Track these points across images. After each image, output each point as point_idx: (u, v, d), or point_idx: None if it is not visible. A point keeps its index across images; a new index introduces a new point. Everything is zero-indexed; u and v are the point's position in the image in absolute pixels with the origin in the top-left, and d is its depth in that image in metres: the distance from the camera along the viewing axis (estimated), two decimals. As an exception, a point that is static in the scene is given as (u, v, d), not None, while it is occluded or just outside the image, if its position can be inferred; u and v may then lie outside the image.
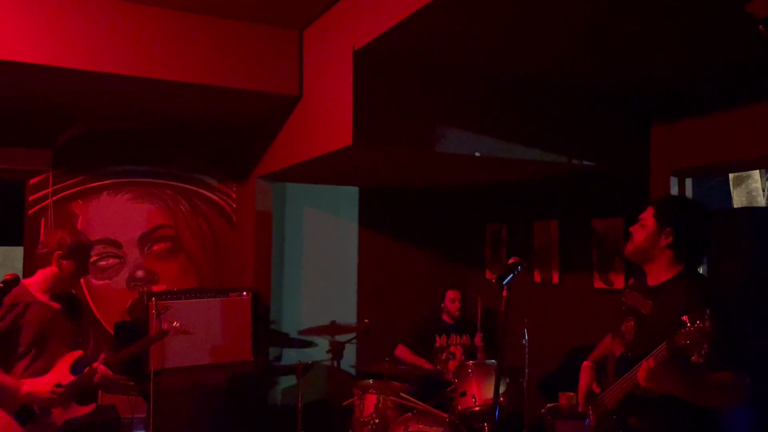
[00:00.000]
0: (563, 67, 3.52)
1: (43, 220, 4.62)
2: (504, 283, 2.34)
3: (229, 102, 4.23)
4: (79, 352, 3.08)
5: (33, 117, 4.59)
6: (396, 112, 3.45)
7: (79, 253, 3.07)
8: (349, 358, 5.21)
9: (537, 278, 4.98)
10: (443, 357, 4.81)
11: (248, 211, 5.08)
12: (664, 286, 2.45)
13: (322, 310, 5.31)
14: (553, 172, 4.43)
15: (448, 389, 4.24)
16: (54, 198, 4.69)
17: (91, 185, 4.81)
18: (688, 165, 3.91)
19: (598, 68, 3.52)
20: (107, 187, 4.87)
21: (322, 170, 4.62)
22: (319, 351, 4.89)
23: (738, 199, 6.78)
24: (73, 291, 3.48)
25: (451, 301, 4.97)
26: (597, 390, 2.63)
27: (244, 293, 4.65)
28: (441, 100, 3.56)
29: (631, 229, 2.57)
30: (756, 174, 6.65)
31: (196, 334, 4.30)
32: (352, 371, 5.26)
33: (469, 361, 4.12)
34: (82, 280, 4.73)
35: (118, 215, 4.89)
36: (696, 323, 1.98)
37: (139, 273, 4.93)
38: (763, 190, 6.73)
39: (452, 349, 4.86)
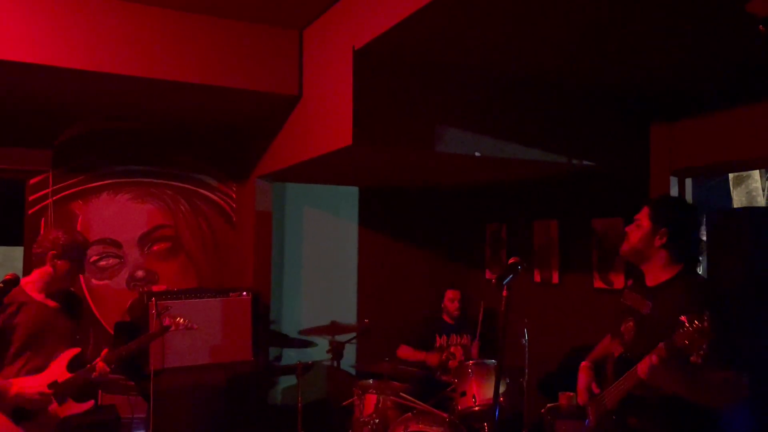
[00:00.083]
0: (563, 67, 3.52)
1: (43, 220, 4.62)
2: (504, 283, 2.34)
3: (229, 102, 4.23)
4: (76, 350, 3.08)
5: (33, 117, 4.59)
6: (396, 112, 3.45)
7: (74, 252, 3.06)
8: (349, 358, 5.21)
9: (537, 278, 4.98)
10: (443, 357, 4.81)
11: (248, 211, 5.08)
12: (663, 286, 2.46)
13: (322, 310, 5.32)
14: (553, 172, 4.43)
15: (448, 389, 4.24)
16: (54, 198, 4.69)
17: (91, 185, 4.81)
18: (687, 165, 3.91)
19: (598, 68, 3.52)
20: (107, 187, 4.87)
21: (322, 170, 4.62)
22: (319, 351, 4.89)
23: (738, 199, 6.77)
24: (73, 290, 3.49)
25: (451, 300, 4.97)
26: (596, 390, 2.64)
27: (244, 293, 4.65)
28: (441, 100, 3.56)
29: (626, 229, 2.58)
30: (756, 174, 6.64)
31: (197, 334, 4.29)
32: (352, 371, 5.26)
33: (469, 361, 4.12)
34: (82, 280, 4.74)
35: (118, 215, 4.89)
36: (694, 324, 1.99)
37: (139, 273, 4.93)
38: (763, 190, 6.73)
39: (452, 349, 4.86)
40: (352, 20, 3.37)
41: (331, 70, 3.60)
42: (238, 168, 5.25)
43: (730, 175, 6.55)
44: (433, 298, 5.19)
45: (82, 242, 3.14)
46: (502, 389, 3.72)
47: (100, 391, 4.45)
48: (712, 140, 3.74)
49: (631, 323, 2.53)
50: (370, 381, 4.16)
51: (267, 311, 4.99)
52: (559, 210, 4.86)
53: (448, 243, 5.93)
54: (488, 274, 5.64)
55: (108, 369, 3.10)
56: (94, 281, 4.81)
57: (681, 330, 2.03)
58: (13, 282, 2.78)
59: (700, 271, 2.65)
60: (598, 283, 4.44)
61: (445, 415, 3.70)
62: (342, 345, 4.81)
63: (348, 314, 5.50)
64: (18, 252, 4.92)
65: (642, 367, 2.18)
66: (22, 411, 2.86)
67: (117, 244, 4.88)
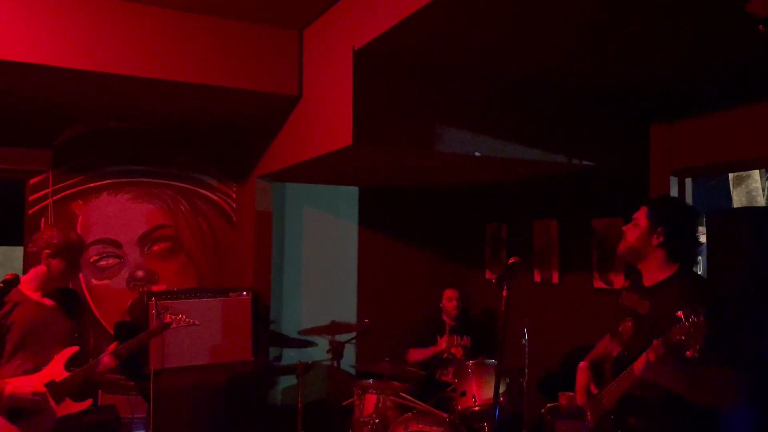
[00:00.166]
0: (563, 67, 3.52)
1: (43, 220, 4.62)
2: (504, 283, 2.35)
3: (229, 102, 4.24)
4: (74, 349, 3.07)
5: (33, 117, 4.59)
6: (396, 112, 3.45)
7: (68, 251, 3.05)
8: (349, 358, 5.21)
9: (537, 278, 4.98)
10: (444, 357, 4.81)
11: (248, 211, 5.08)
12: (660, 285, 2.47)
13: (322, 310, 5.32)
14: (553, 172, 4.43)
15: (448, 389, 4.24)
16: (54, 198, 4.69)
17: (91, 185, 4.81)
18: (687, 165, 3.91)
19: (598, 68, 3.52)
20: (107, 187, 4.87)
21: (322, 170, 4.62)
22: (319, 351, 4.89)
23: (738, 199, 6.77)
24: (73, 289, 3.48)
25: (449, 299, 4.96)
26: (594, 391, 2.64)
27: (244, 293, 4.65)
28: (441, 100, 3.56)
29: (624, 228, 2.60)
30: (756, 174, 6.64)
31: (196, 334, 4.30)
32: (352, 371, 5.26)
33: (469, 361, 4.12)
34: (82, 280, 4.74)
35: (118, 215, 4.89)
36: (690, 318, 2.00)
37: (139, 273, 4.93)
38: (763, 190, 6.72)
39: (453, 350, 4.86)
40: (352, 20, 3.37)
41: (331, 70, 3.60)
42: (238, 168, 5.25)
43: (730, 175, 6.55)
44: (433, 298, 5.19)
45: (76, 241, 3.12)
46: (502, 389, 3.72)
47: (100, 391, 4.45)
48: (712, 140, 3.74)
49: (629, 323, 2.53)
50: (370, 381, 4.16)
51: (267, 311, 4.99)
52: (559, 210, 4.86)
53: (448, 243, 5.93)
54: (488, 274, 5.64)
55: (113, 364, 3.10)
56: (94, 281, 4.80)
57: (677, 325, 2.04)
58: (13, 282, 2.78)
59: (699, 271, 2.65)
60: (598, 283, 4.44)
61: (445, 415, 3.70)
62: (342, 345, 4.81)
63: (348, 314, 5.50)
64: (18, 252, 4.91)
65: (638, 365, 2.18)
66: (17, 410, 2.86)
67: (117, 244, 4.88)
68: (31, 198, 4.64)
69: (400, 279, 5.71)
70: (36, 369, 2.97)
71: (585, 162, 3.99)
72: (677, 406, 2.29)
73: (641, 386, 2.31)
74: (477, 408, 3.78)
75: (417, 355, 4.80)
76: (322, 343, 4.86)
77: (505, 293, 2.40)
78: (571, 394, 3.67)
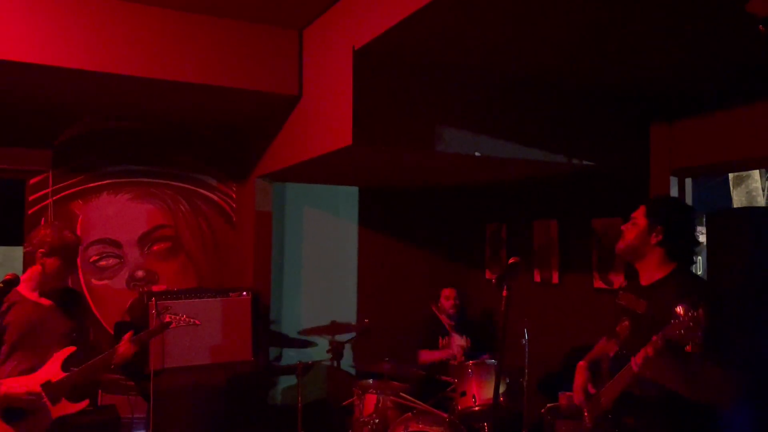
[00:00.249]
0: (563, 67, 3.52)
1: (43, 220, 4.62)
2: (504, 283, 2.35)
3: (229, 102, 4.24)
4: (71, 349, 3.05)
5: (33, 117, 4.59)
6: (396, 112, 3.45)
7: (63, 250, 3.02)
8: (349, 358, 5.22)
9: (537, 278, 4.98)
10: (453, 363, 4.80)
11: (248, 211, 5.08)
12: (658, 284, 2.48)
13: (322, 310, 5.32)
14: (553, 172, 4.43)
15: (448, 389, 4.24)
16: (54, 198, 4.69)
17: (91, 185, 4.81)
18: (687, 165, 3.91)
19: (598, 68, 3.52)
20: (107, 187, 4.87)
21: (322, 170, 4.62)
22: (319, 351, 4.89)
23: (738, 199, 6.77)
24: (73, 288, 3.47)
25: (446, 298, 4.95)
26: (592, 390, 2.64)
27: (244, 293, 4.65)
28: (441, 100, 3.56)
29: (622, 227, 2.62)
30: (756, 174, 6.64)
31: (197, 334, 4.30)
32: (352, 371, 5.26)
33: (469, 361, 4.12)
34: (82, 280, 4.74)
35: (118, 215, 4.89)
36: (690, 313, 2.01)
37: (139, 273, 4.93)
38: (763, 190, 6.72)
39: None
40: (352, 20, 3.37)
41: (331, 70, 3.60)
42: (238, 168, 5.25)
43: (730, 175, 6.55)
44: (433, 298, 5.19)
45: (71, 239, 3.08)
46: (502, 389, 3.73)
47: (99, 391, 4.45)
48: (712, 140, 3.74)
49: (626, 323, 2.54)
50: (370, 381, 4.15)
51: (267, 311, 4.99)
52: (559, 210, 4.86)
53: (448, 243, 5.93)
54: (488, 274, 5.64)
55: (130, 353, 3.09)
56: (94, 281, 4.80)
57: (676, 321, 2.05)
58: (13, 282, 2.77)
59: (699, 271, 2.66)
60: (598, 283, 4.44)
61: (445, 415, 3.69)
62: (342, 345, 4.80)
63: (348, 314, 5.50)
64: (18, 252, 4.91)
65: (637, 360, 2.19)
66: (13, 411, 2.84)
67: (117, 244, 4.88)
68: (31, 198, 4.64)
69: (400, 279, 5.71)
70: (33, 369, 2.95)
71: (585, 162, 3.99)
72: (675, 405, 2.29)
73: (639, 384, 2.32)
74: (477, 408, 3.77)
75: (428, 356, 4.77)
76: (322, 343, 4.86)
77: (505, 293, 2.41)
78: (571, 394, 3.68)
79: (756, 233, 3.21)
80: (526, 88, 3.79)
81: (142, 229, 4.97)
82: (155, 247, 5.01)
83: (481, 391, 3.80)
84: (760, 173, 6.62)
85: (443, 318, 4.97)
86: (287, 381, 5.14)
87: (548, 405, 3.78)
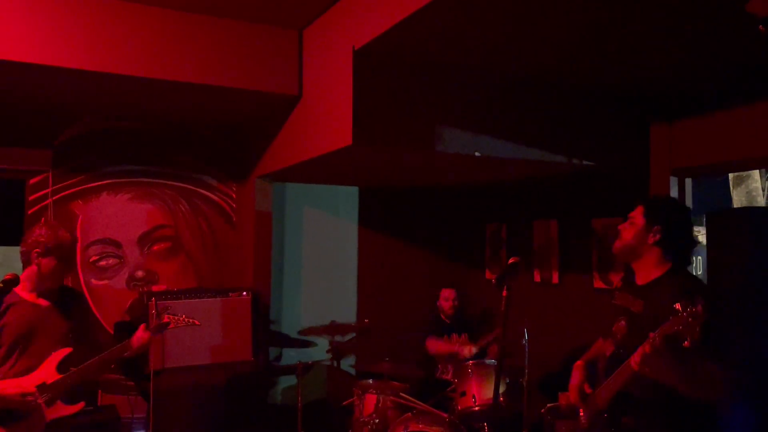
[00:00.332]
0: (563, 67, 3.52)
1: (43, 219, 4.61)
2: (504, 283, 2.36)
3: (229, 102, 4.24)
4: (67, 350, 2.99)
5: (33, 117, 4.59)
6: (396, 112, 3.45)
7: (58, 250, 2.97)
8: (349, 358, 5.21)
9: (537, 278, 4.98)
10: (459, 359, 4.80)
11: (248, 211, 5.08)
12: (654, 284, 2.50)
13: (322, 310, 5.32)
14: (553, 172, 4.43)
15: (448, 389, 4.24)
16: (54, 198, 4.69)
17: (91, 185, 4.81)
18: (687, 165, 3.91)
19: (598, 68, 3.52)
20: (107, 187, 4.87)
21: (322, 170, 4.62)
22: (319, 351, 4.89)
23: (738, 199, 6.77)
24: (73, 288, 3.45)
25: (446, 299, 4.95)
26: (588, 390, 2.65)
27: (244, 293, 4.65)
28: (441, 100, 3.56)
29: (620, 227, 2.63)
30: (756, 174, 6.65)
31: (197, 334, 4.29)
32: (352, 371, 5.25)
33: (468, 361, 4.12)
34: (82, 280, 4.74)
35: (118, 215, 4.89)
36: (689, 309, 2.02)
37: (139, 273, 4.93)
38: (763, 190, 6.73)
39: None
40: (352, 20, 3.37)
41: (331, 70, 3.60)
42: (238, 168, 5.25)
43: (730, 175, 6.55)
44: (433, 298, 5.20)
45: (66, 238, 3.02)
46: (502, 389, 3.73)
47: (99, 391, 4.45)
48: (712, 140, 3.74)
49: (623, 322, 2.56)
50: (370, 381, 4.15)
51: (267, 311, 4.99)
52: (559, 210, 4.86)
53: (448, 243, 5.93)
54: (488, 274, 5.64)
55: (146, 338, 3.06)
56: (94, 281, 4.80)
57: (674, 317, 2.06)
58: (13, 282, 2.77)
59: (700, 271, 2.67)
60: (598, 283, 4.44)
61: (445, 415, 3.70)
62: (342, 345, 4.80)
63: (348, 314, 5.50)
64: (18, 252, 4.90)
65: (635, 358, 2.20)
66: (7, 413, 2.80)
67: (117, 244, 4.88)
68: (31, 198, 4.64)
69: (400, 279, 5.71)
70: (29, 371, 2.90)
71: (585, 162, 3.99)
72: (672, 404, 2.30)
73: (635, 383, 2.33)
74: (477, 408, 3.77)
75: (435, 346, 4.73)
76: (322, 343, 4.86)
77: (505, 293, 2.41)
78: (571, 393, 3.69)
79: (756, 233, 3.21)
80: (526, 88, 3.79)
81: (142, 229, 4.97)
82: (155, 247, 5.01)
83: (481, 391, 3.80)
84: (760, 173, 6.62)
85: (443, 317, 4.98)
86: (287, 381, 5.14)
87: (548, 405, 3.79)
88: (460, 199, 5.91)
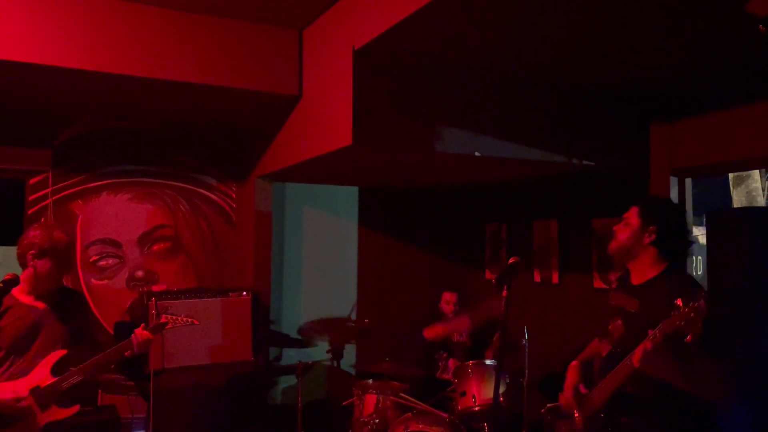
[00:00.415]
0: (563, 67, 3.52)
1: (43, 219, 4.61)
2: (504, 283, 2.37)
3: (229, 102, 4.24)
4: (62, 352, 2.94)
5: (33, 117, 4.59)
6: (396, 112, 3.45)
7: (53, 251, 2.91)
8: (349, 358, 5.21)
9: (537, 278, 4.98)
10: (444, 355, 4.81)
11: (248, 211, 5.08)
12: (649, 284, 2.51)
13: (322, 310, 5.32)
14: (553, 172, 4.43)
15: (448, 389, 4.24)
16: (54, 198, 4.69)
17: (90, 185, 4.81)
18: (687, 165, 3.91)
19: (598, 68, 3.52)
20: (107, 187, 4.87)
21: (322, 170, 4.62)
22: (319, 351, 4.89)
23: (738, 199, 6.78)
24: (74, 290, 3.42)
25: (447, 303, 4.94)
26: (584, 391, 2.66)
27: (244, 293, 4.65)
28: (441, 100, 3.56)
29: (614, 228, 2.65)
30: (756, 174, 6.65)
31: (197, 334, 4.30)
32: (352, 371, 5.25)
33: (468, 360, 4.12)
34: (82, 280, 4.74)
35: (117, 215, 4.89)
36: (690, 304, 2.03)
37: (139, 273, 4.93)
38: (763, 190, 6.73)
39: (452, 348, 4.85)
40: (352, 20, 3.37)
41: (331, 70, 3.60)
42: (238, 168, 5.25)
43: (730, 175, 6.56)
44: (433, 298, 5.19)
45: (61, 240, 2.96)
46: (502, 389, 3.72)
47: (99, 391, 4.45)
48: (712, 140, 3.74)
49: (619, 322, 2.57)
50: (370, 381, 4.15)
51: (267, 311, 4.99)
52: (559, 210, 4.86)
53: (448, 243, 5.93)
54: (488, 274, 5.64)
55: (145, 339, 2.99)
56: (94, 281, 4.81)
57: (676, 312, 2.08)
58: (13, 282, 2.75)
59: (700, 271, 2.68)
60: (598, 283, 4.44)
61: (445, 415, 3.69)
62: (342, 345, 4.80)
63: (348, 314, 5.50)
64: (18, 252, 4.91)
65: (636, 355, 2.21)
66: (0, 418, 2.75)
67: (117, 244, 4.88)
68: (31, 198, 4.64)
69: (400, 279, 5.71)
70: (24, 373, 2.86)
71: (585, 162, 3.99)
72: (670, 403, 2.30)
73: (634, 382, 2.33)
74: (477, 408, 3.77)
75: (432, 331, 4.69)
76: (322, 343, 4.86)
77: (505, 293, 2.42)
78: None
79: (756, 233, 3.21)
80: (526, 88, 3.79)
81: (142, 229, 4.97)
82: (155, 247, 5.01)
83: (481, 391, 3.80)
84: (760, 173, 6.63)
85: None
86: (287, 381, 5.14)
87: (548, 405, 3.78)
88: (460, 199, 5.91)
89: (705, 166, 3.85)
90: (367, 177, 5.17)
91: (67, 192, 4.74)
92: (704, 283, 3.05)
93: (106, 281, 4.84)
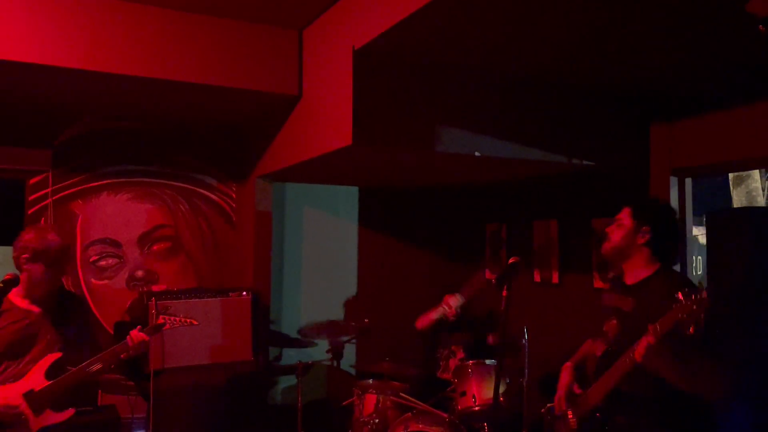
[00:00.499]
0: (563, 67, 3.52)
1: (43, 220, 4.62)
2: (504, 283, 2.38)
3: (229, 102, 4.24)
4: (57, 355, 2.89)
5: (33, 117, 4.59)
6: (396, 112, 3.45)
7: (45, 255, 2.85)
8: (349, 358, 5.21)
9: (537, 278, 4.98)
10: (445, 353, 4.81)
11: (248, 211, 5.08)
12: (644, 283, 2.54)
13: (322, 310, 5.32)
14: (553, 172, 4.43)
15: (448, 389, 4.24)
16: (54, 198, 4.69)
17: (90, 185, 4.81)
18: (687, 165, 3.91)
19: (598, 68, 3.52)
20: (107, 187, 4.87)
21: (322, 170, 4.62)
22: (319, 351, 4.89)
23: (738, 199, 6.78)
24: (73, 291, 3.41)
25: (449, 307, 4.94)
26: (578, 391, 2.67)
27: (244, 293, 4.65)
28: (441, 100, 3.56)
29: (607, 229, 2.69)
30: (756, 174, 6.66)
31: (197, 334, 4.30)
32: (352, 371, 5.25)
33: (469, 359, 4.12)
34: (81, 280, 4.74)
35: (117, 215, 4.89)
36: (692, 296, 2.05)
37: (139, 273, 4.93)
38: (763, 190, 6.73)
39: (453, 347, 4.85)
40: (352, 20, 3.37)
41: (331, 70, 3.60)
42: (238, 168, 5.25)
43: (730, 175, 6.56)
44: (433, 298, 5.19)
45: (54, 243, 2.90)
46: (502, 389, 3.72)
47: (99, 391, 4.45)
48: (712, 140, 3.74)
49: (614, 321, 2.59)
50: (370, 381, 4.16)
51: (267, 311, 4.99)
52: (559, 210, 4.86)
53: (448, 243, 5.93)
54: (488, 274, 5.64)
55: (141, 340, 2.93)
56: (94, 281, 4.81)
57: (677, 305, 2.09)
58: (13, 282, 2.73)
59: (700, 271, 2.69)
60: (598, 283, 4.44)
61: (445, 415, 3.70)
62: (342, 345, 4.80)
63: (348, 314, 5.50)
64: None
65: (639, 350, 2.22)
66: None
67: (117, 244, 4.88)
68: (31, 198, 4.64)
69: (400, 279, 5.71)
70: (19, 376, 2.82)
71: (585, 162, 3.99)
72: (667, 402, 2.31)
73: (631, 380, 2.34)
74: (477, 408, 3.77)
75: (423, 321, 4.69)
76: (322, 343, 4.86)
77: (505, 293, 2.43)
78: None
79: (756, 233, 3.21)
80: (526, 88, 3.79)
81: (142, 229, 4.97)
82: (155, 247, 5.01)
83: (481, 391, 3.80)
84: (760, 173, 6.63)
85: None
86: (287, 381, 5.14)
87: (548, 405, 3.78)
88: (460, 199, 5.91)
89: (705, 166, 3.86)
90: (367, 177, 5.17)
91: (67, 192, 4.74)
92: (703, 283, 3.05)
93: (106, 281, 4.84)
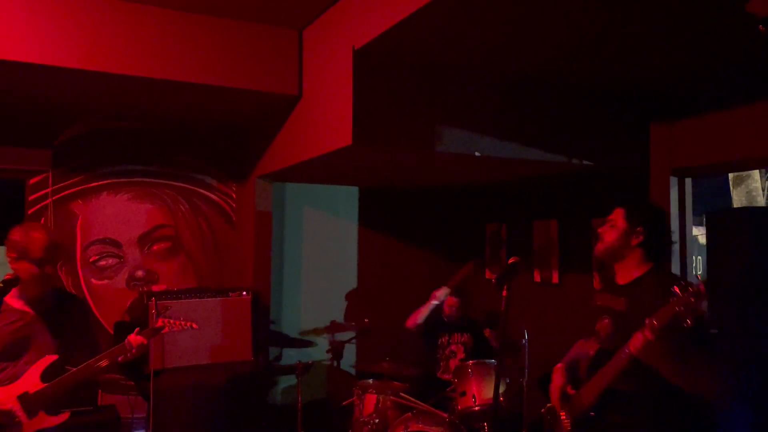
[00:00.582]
0: (563, 67, 3.52)
1: (43, 219, 4.62)
2: (504, 283, 2.39)
3: (229, 102, 4.24)
4: (53, 357, 2.82)
5: (33, 117, 4.60)
6: (396, 112, 3.45)
7: (31, 254, 2.72)
8: (349, 358, 5.21)
9: (537, 278, 4.98)
10: (446, 353, 4.81)
11: (248, 211, 5.08)
12: (636, 282, 2.56)
13: (322, 310, 5.32)
14: (553, 172, 4.43)
15: (448, 389, 4.24)
16: (54, 198, 4.69)
17: (90, 185, 4.81)
18: (687, 165, 3.91)
19: (598, 68, 3.52)
20: (107, 187, 4.88)
21: (322, 170, 4.62)
22: (319, 351, 4.89)
23: (738, 199, 6.78)
24: (73, 293, 3.39)
25: (449, 306, 4.94)
26: (571, 392, 2.67)
27: (244, 293, 4.65)
28: (441, 100, 3.56)
29: (600, 230, 2.71)
30: (756, 174, 6.66)
31: (197, 334, 4.29)
32: (352, 371, 5.25)
33: (469, 360, 4.12)
34: (81, 280, 4.74)
35: (117, 215, 4.89)
36: (689, 289, 2.08)
37: (139, 273, 4.93)
38: (763, 190, 6.73)
39: (453, 347, 4.85)
40: (352, 20, 3.37)
41: (331, 70, 3.60)
42: (238, 168, 5.25)
43: (730, 175, 6.56)
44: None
45: (38, 241, 2.74)
46: (502, 389, 3.73)
47: (99, 391, 4.45)
48: (712, 140, 3.74)
49: (606, 321, 2.60)
50: (370, 381, 4.15)
51: (267, 311, 4.99)
52: (559, 210, 4.86)
53: (448, 243, 5.93)
54: (488, 274, 5.64)
55: (139, 343, 2.85)
56: (94, 281, 4.81)
57: (674, 298, 2.11)
58: (13, 282, 2.69)
59: (700, 271, 2.71)
60: (598, 283, 4.44)
61: (445, 415, 3.70)
62: (342, 345, 4.80)
63: (348, 314, 5.50)
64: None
65: (635, 343, 2.24)
66: None
67: (117, 244, 4.88)
68: (31, 198, 4.64)
69: (400, 279, 5.71)
70: (14, 378, 2.77)
71: (585, 162, 3.99)
72: (662, 400, 2.32)
73: (626, 378, 2.35)
74: (477, 408, 3.77)
75: (414, 318, 4.62)
76: (322, 343, 4.86)
77: (505, 293, 2.43)
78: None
79: (756, 233, 3.21)
80: (526, 88, 3.79)
81: (142, 229, 4.97)
82: (155, 247, 5.01)
83: (481, 391, 3.80)
84: (760, 173, 6.63)
85: (445, 319, 4.97)
86: (287, 381, 5.14)
87: (548, 405, 3.78)
88: (460, 199, 5.91)
89: (705, 166, 3.86)
90: (367, 177, 5.17)
91: (67, 192, 4.74)
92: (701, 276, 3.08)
93: (106, 281, 4.85)
